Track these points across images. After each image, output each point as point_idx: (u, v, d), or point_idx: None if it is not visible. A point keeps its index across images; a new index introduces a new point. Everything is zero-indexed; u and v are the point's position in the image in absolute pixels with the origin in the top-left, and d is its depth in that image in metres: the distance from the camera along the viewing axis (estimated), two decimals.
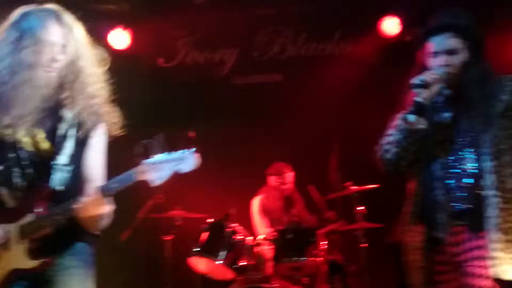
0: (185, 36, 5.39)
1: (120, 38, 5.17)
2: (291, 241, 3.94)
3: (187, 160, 1.89)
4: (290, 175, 4.69)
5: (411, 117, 2.01)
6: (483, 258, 1.98)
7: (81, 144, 2.09)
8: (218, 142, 5.14)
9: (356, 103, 4.78)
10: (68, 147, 2.06)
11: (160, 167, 1.86)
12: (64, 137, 2.06)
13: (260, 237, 4.16)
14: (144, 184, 4.97)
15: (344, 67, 5.08)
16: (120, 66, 5.24)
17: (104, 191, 1.93)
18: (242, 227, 4.15)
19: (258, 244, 4.03)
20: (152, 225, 4.31)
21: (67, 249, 2.06)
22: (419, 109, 2.01)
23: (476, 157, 2.02)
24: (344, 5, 5.05)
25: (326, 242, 4.15)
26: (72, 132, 2.08)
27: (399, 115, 2.06)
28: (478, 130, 2.02)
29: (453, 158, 2.05)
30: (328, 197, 4.45)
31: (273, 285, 3.68)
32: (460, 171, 2.04)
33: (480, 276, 1.98)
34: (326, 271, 4.06)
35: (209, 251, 4.00)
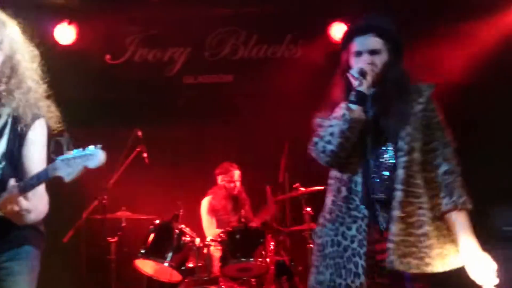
0: (134, 33, 5.29)
1: (66, 33, 5.02)
2: (239, 242, 3.94)
3: (95, 156, 1.88)
4: (236, 173, 4.68)
5: (354, 106, 2.09)
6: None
7: (19, 139, 2.05)
8: (167, 142, 5.09)
9: (306, 105, 4.81)
10: (2, 144, 2.03)
11: (70, 164, 1.88)
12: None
13: (208, 238, 4.14)
14: (88, 184, 4.83)
15: (294, 70, 5.16)
16: (66, 62, 5.15)
17: (21, 188, 1.94)
18: (189, 228, 4.11)
19: (206, 246, 4.00)
20: (97, 226, 4.20)
21: (11, 253, 2.03)
22: (361, 99, 2.10)
23: (393, 152, 2.13)
24: (296, 9, 5.12)
25: (274, 243, 4.19)
26: (7, 129, 2.05)
27: (342, 106, 2.12)
28: (395, 127, 2.11)
29: (376, 151, 2.15)
30: (277, 198, 4.48)
31: (221, 287, 3.67)
32: (380, 163, 2.13)
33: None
34: (273, 272, 4.08)
35: (155, 253, 3.95)
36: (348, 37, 2.24)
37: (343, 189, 2.17)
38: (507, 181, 4.27)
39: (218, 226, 4.57)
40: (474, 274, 2.04)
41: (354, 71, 2.13)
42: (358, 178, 2.14)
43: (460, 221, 2.10)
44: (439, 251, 2.05)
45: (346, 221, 2.14)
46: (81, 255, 4.63)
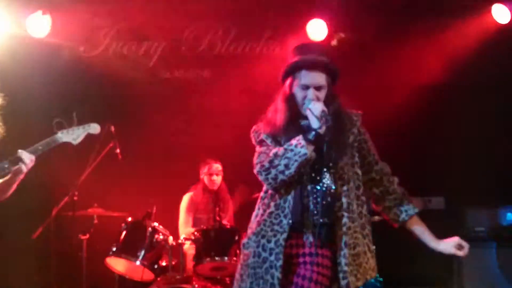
0: (109, 25, 5.16)
1: (38, 24, 4.87)
2: (213, 241, 3.90)
3: (95, 126, 2.76)
4: (215, 166, 4.60)
5: (311, 145, 2.23)
6: (321, 265, 2.24)
7: None
8: (141, 138, 4.99)
9: None
10: None
11: (75, 132, 2.67)
12: None
13: (182, 237, 4.08)
14: (58, 180, 4.73)
15: (272, 67, 5.10)
16: (38, 54, 5.00)
17: (31, 150, 2.51)
18: (163, 226, 4.04)
19: (179, 244, 3.94)
20: (67, 223, 4.10)
21: None
22: (318, 139, 2.24)
23: (330, 179, 2.30)
24: (275, 6, 5.07)
25: None
26: None
27: (301, 142, 2.22)
28: (335, 158, 2.29)
29: (318, 179, 2.29)
30: (256, 195, 4.43)
31: (194, 286, 3.62)
32: (319, 189, 2.29)
33: (306, 277, 2.22)
34: None
35: (127, 251, 3.88)
36: (295, 68, 2.36)
37: (272, 204, 2.32)
38: (479, 184, 4.32)
39: (195, 225, 4.50)
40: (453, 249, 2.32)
41: (315, 111, 2.24)
42: (289, 197, 2.29)
43: (421, 223, 2.40)
44: (364, 266, 2.30)
45: (267, 234, 2.29)
46: (51, 252, 4.53)
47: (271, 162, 2.26)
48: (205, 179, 4.59)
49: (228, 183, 4.73)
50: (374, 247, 2.38)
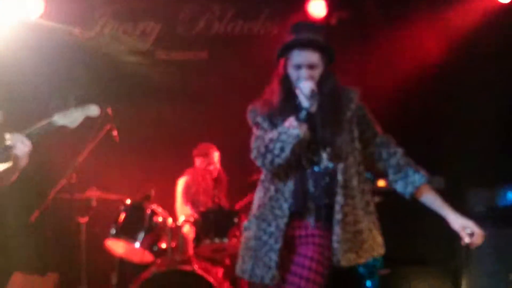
0: (104, 6, 5.08)
1: (32, 5, 4.79)
2: (213, 222, 3.89)
3: (93, 108, 2.57)
4: (216, 155, 4.59)
5: (303, 125, 2.21)
6: (322, 246, 2.24)
7: None
8: (138, 120, 4.95)
9: None
10: None
11: (72, 115, 2.48)
12: None
13: (181, 219, 4.07)
14: (55, 162, 4.71)
15: (270, 48, 5.03)
16: (32, 36, 4.93)
17: (27, 134, 2.37)
18: (162, 208, 4.03)
19: (178, 226, 3.93)
20: (65, 206, 4.08)
21: None
22: (310, 118, 2.22)
23: (328, 158, 2.27)
24: None
25: None
26: None
27: (293, 123, 2.21)
28: (331, 137, 2.27)
29: (312, 158, 2.28)
30: (253, 178, 4.42)
31: (194, 267, 3.62)
32: (318, 170, 2.27)
33: (308, 257, 2.23)
34: None
35: (126, 233, 3.87)
36: (288, 47, 2.34)
37: (272, 188, 2.32)
38: (480, 163, 4.31)
39: (193, 207, 4.49)
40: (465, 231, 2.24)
41: (304, 90, 2.23)
42: (289, 181, 2.28)
43: (430, 192, 2.33)
44: (368, 243, 2.29)
45: (268, 218, 2.30)
46: (49, 235, 4.53)
47: (266, 147, 2.24)
48: (207, 168, 4.55)
49: (226, 164, 4.71)
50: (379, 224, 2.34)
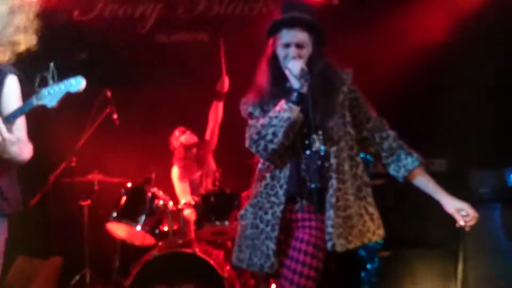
0: None
1: None
2: (214, 205, 3.89)
3: (77, 82, 2.16)
4: (177, 132, 4.54)
5: (295, 107, 2.16)
6: (318, 229, 2.21)
7: None
8: (138, 103, 4.92)
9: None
10: None
11: (54, 91, 2.15)
12: None
13: (182, 202, 4.07)
14: (55, 146, 4.68)
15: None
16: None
17: (5, 119, 2.15)
18: (162, 192, 4.02)
19: (179, 209, 3.93)
20: (66, 190, 4.09)
21: None
22: (302, 100, 2.17)
23: (323, 142, 2.23)
24: None
25: None
26: None
27: (284, 106, 2.16)
28: (323, 120, 2.22)
29: (307, 143, 2.24)
30: (253, 160, 4.40)
31: (195, 250, 3.62)
32: (310, 154, 2.23)
33: (304, 241, 2.21)
34: None
35: (128, 216, 3.87)
36: (276, 26, 2.30)
37: (268, 175, 2.29)
38: (482, 144, 4.28)
39: (193, 191, 4.48)
40: (460, 214, 2.24)
41: (294, 70, 2.18)
42: (284, 167, 2.25)
43: (424, 175, 2.32)
44: (358, 229, 2.25)
45: (264, 205, 2.27)
46: (51, 218, 4.55)
47: (259, 133, 2.21)
48: (182, 138, 4.51)
49: (226, 147, 4.69)
50: (374, 209, 2.30)
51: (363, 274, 3.40)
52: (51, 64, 2.16)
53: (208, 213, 3.87)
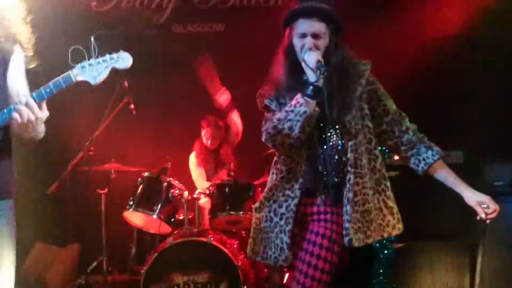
0: None
1: None
2: (228, 195, 3.92)
3: (124, 58, 2.00)
4: (212, 130, 4.58)
5: (311, 101, 2.12)
6: (334, 222, 2.18)
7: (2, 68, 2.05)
8: (155, 93, 4.96)
9: None
10: None
11: (96, 67, 1.96)
12: None
13: (197, 191, 4.11)
14: (73, 135, 4.72)
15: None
16: (48, 9, 4.92)
17: (38, 95, 1.93)
18: (178, 181, 4.07)
19: (195, 198, 3.97)
20: (83, 178, 4.15)
21: None
22: (318, 93, 2.12)
23: (340, 136, 2.21)
24: None
25: None
26: None
27: (300, 100, 2.12)
28: (340, 114, 2.18)
29: (322, 136, 2.21)
30: (269, 152, 4.42)
31: (210, 239, 3.66)
32: (328, 148, 2.21)
33: (320, 234, 2.19)
34: None
35: (144, 205, 3.93)
36: (292, 16, 2.25)
37: (284, 169, 2.26)
38: (498, 137, 4.23)
39: (208, 179, 4.53)
40: (481, 207, 2.20)
41: (310, 62, 2.12)
42: (300, 161, 2.22)
43: (444, 168, 2.28)
44: (377, 223, 2.22)
45: (279, 199, 2.27)
46: (69, 207, 4.61)
47: (275, 127, 2.17)
48: (204, 140, 4.60)
49: (243, 137, 4.71)
50: (393, 203, 2.27)
51: (376, 266, 3.40)
52: (92, 38, 1.98)
53: (223, 202, 3.90)
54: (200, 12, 5.18)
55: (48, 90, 1.93)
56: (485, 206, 2.20)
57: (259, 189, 4.14)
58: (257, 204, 2.35)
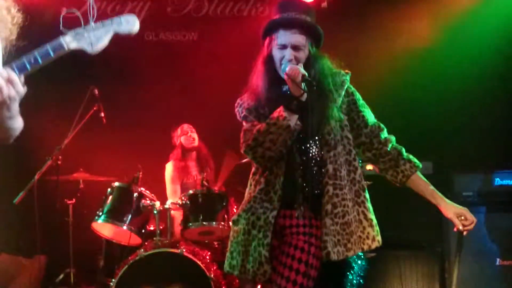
0: None
1: None
2: (201, 205, 3.87)
3: (131, 20, 1.66)
4: (185, 126, 4.55)
5: (294, 116, 2.11)
6: (314, 236, 2.17)
7: None
8: (126, 101, 4.89)
9: None
10: None
11: (95, 33, 1.63)
12: None
13: (169, 201, 4.05)
14: (41, 144, 4.61)
15: (260, 30, 4.98)
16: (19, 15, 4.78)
17: (18, 66, 1.52)
18: (149, 191, 4.00)
19: (166, 209, 3.91)
20: (51, 188, 4.04)
21: None
22: (301, 108, 2.10)
23: (320, 147, 2.20)
24: None
25: (237, 207, 4.14)
26: None
27: (283, 114, 2.09)
28: (320, 125, 2.17)
29: (304, 148, 2.20)
30: (243, 161, 4.40)
31: (182, 250, 3.61)
32: (307, 159, 2.19)
33: (299, 248, 2.16)
34: None
35: (114, 216, 3.84)
36: (272, 27, 2.23)
37: (262, 180, 2.23)
38: (467, 148, 4.33)
39: (182, 190, 4.46)
40: (458, 220, 2.21)
41: (294, 77, 2.09)
42: (279, 172, 2.19)
43: (421, 181, 2.28)
44: (357, 235, 2.20)
45: (257, 211, 2.22)
46: (36, 217, 4.48)
47: (255, 139, 2.12)
48: (182, 139, 4.55)
49: (216, 148, 4.69)
50: (372, 215, 2.25)
51: (350, 276, 3.41)
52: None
53: (195, 213, 3.85)
54: (173, 20, 5.15)
55: (32, 60, 1.52)
56: (463, 218, 2.20)
57: (232, 198, 4.12)
58: (235, 217, 2.30)
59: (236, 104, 2.33)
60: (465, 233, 2.22)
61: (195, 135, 4.58)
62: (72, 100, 4.24)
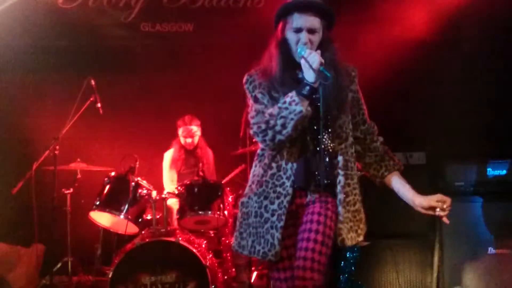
0: None
1: None
2: (197, 195, 3.92)
3: None
4: (194, 129, 4.58)
5: (306, 100, 2.13)
6: (330, 204, 2.23)
7: None
8: (122, 92, 4.92)
9: None
10: None
11: None
12: None
13: (166, 191, 4.09)
14: (38, 134, 4.63)
15: (256, 21, 4.99)
16: (14, 6, 4.82)
17: None
18: (146, 181, 4.04)
19: (163, 198, 3.95)
20: (49, 178, 4.07)
21: None
22: (314, 93, 2.13)
23: (332, 139, 2.25)
24: None
25: (233, 196, 4.19)
26: None
27: (294, 98, 2.11)
28: (334, 116, 2.22)
29: (318, 139, 2.23)
30: (238, 152, 4.44)
31: (178, 239, 3.65)
32: (319, 150, 2.22)
33: (315, 221, 2.20)
34: (232, 225, 4.10)
35: (111, 205, 3.89)
36: (287, 10, 2.24)
37: (274, 165, 2.26)
38: (459, 140, 4.36)
39: (179, 181, 4.50)
40: (432, 209, 2.24)
41: (313, 63, 2.10)
42: (291, 159, 2.23)
43: (400, 179, 2.36)
44: (363, 222, 2.33)
45: (270, 196, 2.26)
46: (33, 206, 4.52)
47: (267, 122, 2.15)
48: (181, 140, 4.59)
49: (210, 137, 4.72)
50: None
51: (342, 263, 3.47)
52: None
53: (191, 202, 3.90)
54: (169, 11, 5.15)
55: None
56: (440, 201, 2.23)
57: (228, 188, 4.16)
58: (245, 199, 2.33)
59: (244, 80, 2.32)
60: (446, 218, 2.25)
61: (196, 139, 4.58)
62: (69, 91, 4.26)
